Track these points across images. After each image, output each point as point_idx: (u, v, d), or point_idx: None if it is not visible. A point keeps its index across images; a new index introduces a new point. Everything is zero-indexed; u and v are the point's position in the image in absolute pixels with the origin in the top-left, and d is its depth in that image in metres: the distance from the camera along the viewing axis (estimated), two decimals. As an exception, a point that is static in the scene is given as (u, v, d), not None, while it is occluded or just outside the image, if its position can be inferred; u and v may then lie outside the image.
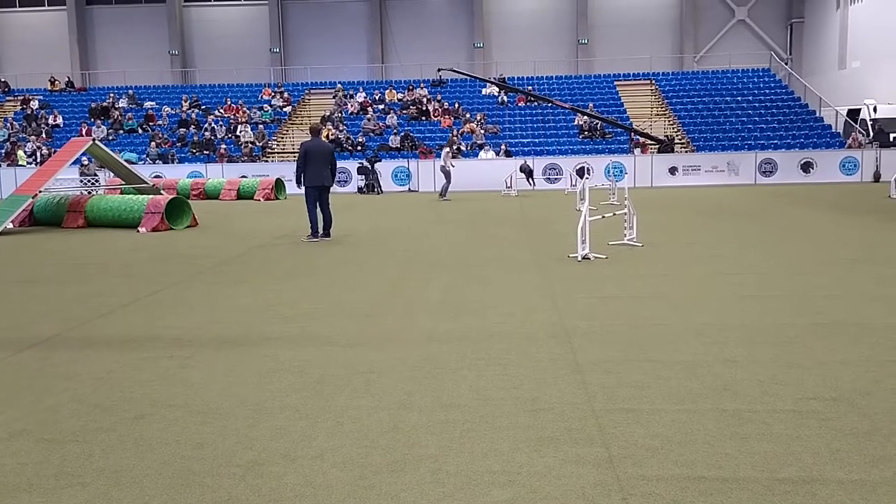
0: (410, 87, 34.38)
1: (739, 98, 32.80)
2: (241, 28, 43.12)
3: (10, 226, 15.34)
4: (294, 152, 28.58)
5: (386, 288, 8.09)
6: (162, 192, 17.55)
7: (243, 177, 25.62)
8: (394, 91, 34.61)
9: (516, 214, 16.38)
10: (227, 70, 40.01)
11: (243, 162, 28.74)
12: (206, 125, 31.87)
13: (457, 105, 32.98)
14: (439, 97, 33.84)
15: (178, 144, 30.69)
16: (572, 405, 4.24)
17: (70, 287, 8.57)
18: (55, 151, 22.78)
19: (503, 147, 28.08)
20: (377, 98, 34.17)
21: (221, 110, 33.72)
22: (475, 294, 7.57)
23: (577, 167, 25.37)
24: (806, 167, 25.83)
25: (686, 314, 6.42)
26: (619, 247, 10.50)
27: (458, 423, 4.02)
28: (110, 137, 30.94)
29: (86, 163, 24.45)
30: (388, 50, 42.60)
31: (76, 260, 10.87)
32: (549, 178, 26.13)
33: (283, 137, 32.11)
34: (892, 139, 27.79)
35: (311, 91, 36.46)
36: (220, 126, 31.86)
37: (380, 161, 26.36)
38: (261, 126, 31.73)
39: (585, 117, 30.11)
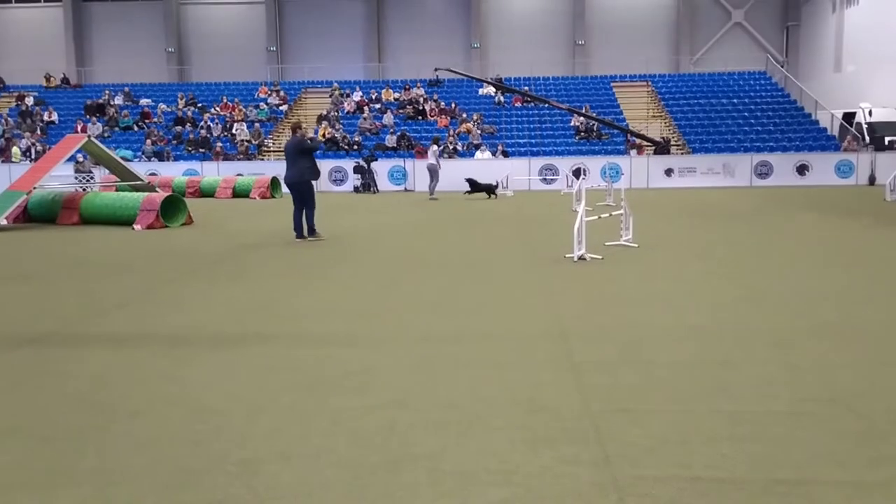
0: (407, 87, 34.37)
1: (735, 100, 32.88)
2: (238, 26, 43.05)
3: (5, 222, 15.29)
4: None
5: (382, 287, 8.07)
6: (157, 189, 17.50)
7: (239, 175, 25.58)
8: (390, 90, 34.61)
9: (512, 214, 16.38)
10: (224, 68, 39.95)
11: (239, 160, 28.70)
12: (202, 123, 31.82)
13: (453, 105, 32.99)
14: (436, 97, 33.85)
15: (174, 142, 30.63)
16: (568, 405, 4.23)
17: (64, 284, 8.54)
18: (50, 148, 22.70)
19: (500, 147, 28.09)
20: (374, 97, 34.16)
21: (217, 108, 33.67)
22: (471, 294, 7.56)
23: (574, 168, 25.39)
24: (801, 170, 25.90)
25: (682, 315, 6.42)
26: (615, 247, 10.50)
27: (455, 422, 4.01)
28: (105, 135, 30.87)
29: (81, 160, 24.38)
30: (385, 49, 42.58)
31: (71, 257, 10.84)
32: (545, 179, 26.15)
33: (279, 136, 32.08)
34: (886, 143, 27.90)
35: (308, 90, 36.44)
36: (216, 124, 31.82)
37: (376, 160, 26.36)
38: (257, 124, 31.70)
39: (582, 118, 30.15)
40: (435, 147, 22.34)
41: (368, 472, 3.42)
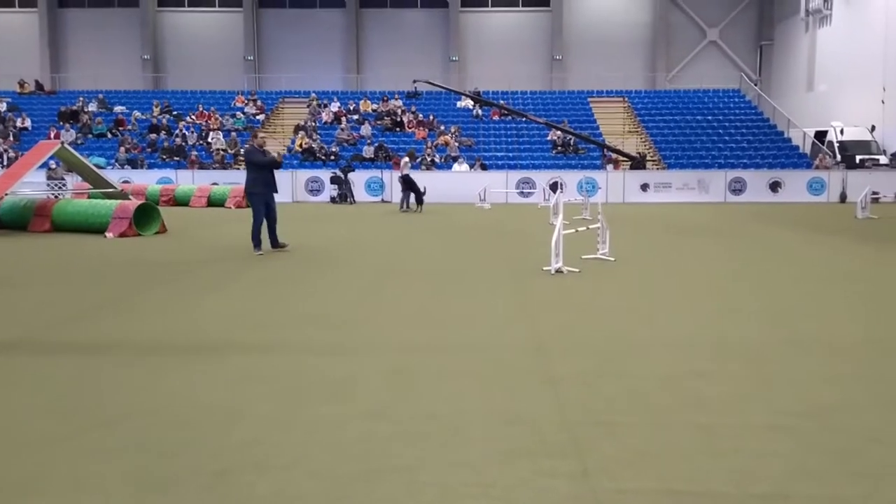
0: (385, 98, 34.39)
1: (710, 117, 33.28)
2: (215, 35, 42.87)
3: (-26, 228, 15.02)
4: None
5: (360, 298, 8.03)
6: (130, 197, 17.31)
7: (214, 184, 25.37)
8: (368, 101, 34.60)
9: (490, 227, 16.40)
10: (200, 76, 39.71)
11: (214, 169, 28.48)
12: (177, 131, 31.56)
13: (431, 117, 33.04)
14: (414, 108, 33.89)
15: (149, 150, 30.35)
16: (546, 418, 4.22)
17: (35, 291, 8.39)
18: (22, 154, 22.40)
19: (477, 160, 28.16)
20: (351, 108, 34.12)
21: (193, 116, 33.43)
22: (448, 305, 7.54)
23: (551, 182, 25.51)
24: (774, 186, 26.23)
25: (658, 328, 6.45)
26: (592, 261, 10.55)
27: (433, 434, 3.98)
28: (79, 141, 30.52)
29: (53, 166, 24.09)
30: (364, 61, 42.62)
31: (42, 264, 10.66)
32: (522, 192, 26.24)
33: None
34: (857, 161, 28.37)
35: (285, 99, 36.32)
36: (192, 132, 31.57)
37: (353, 171, 26.29)
38: (233, 133, 31.50)
39: (559, 132, 30.34)
40: (406, 159, 22.22)
41: (346, 484, 3.38)
